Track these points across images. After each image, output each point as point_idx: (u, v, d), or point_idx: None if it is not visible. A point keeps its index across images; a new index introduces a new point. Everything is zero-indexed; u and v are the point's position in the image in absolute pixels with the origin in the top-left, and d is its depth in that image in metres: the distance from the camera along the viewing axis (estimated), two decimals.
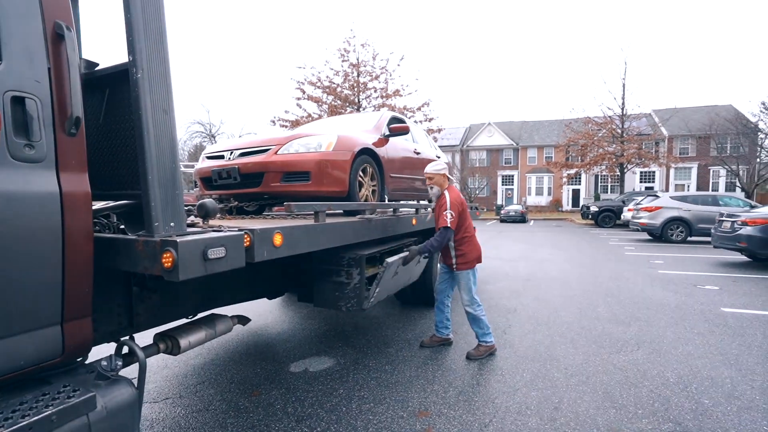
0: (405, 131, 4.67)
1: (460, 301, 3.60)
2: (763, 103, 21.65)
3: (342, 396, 2.85)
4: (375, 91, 19.02)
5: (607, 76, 45.34)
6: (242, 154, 3.57)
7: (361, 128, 4.46)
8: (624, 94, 24.56)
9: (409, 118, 18.73)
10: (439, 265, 3.94)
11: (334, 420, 2.54)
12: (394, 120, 4.96)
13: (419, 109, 18.73)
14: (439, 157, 6.43)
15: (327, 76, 19.05)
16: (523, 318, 4.66)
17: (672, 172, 31.43)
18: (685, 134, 30.75)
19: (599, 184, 33.32)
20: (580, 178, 32.16)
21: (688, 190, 29.78)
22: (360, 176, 3.88)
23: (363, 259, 3.10)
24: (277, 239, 2.01)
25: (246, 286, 3.32)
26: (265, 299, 3.98)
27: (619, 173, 25.08)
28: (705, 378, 3.06)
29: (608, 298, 5.55)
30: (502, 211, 24.61)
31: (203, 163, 3.81)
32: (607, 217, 19.59)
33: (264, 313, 4.97)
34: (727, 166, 26.46)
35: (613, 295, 5.67)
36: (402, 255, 3.48)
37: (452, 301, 3.86)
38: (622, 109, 24.58)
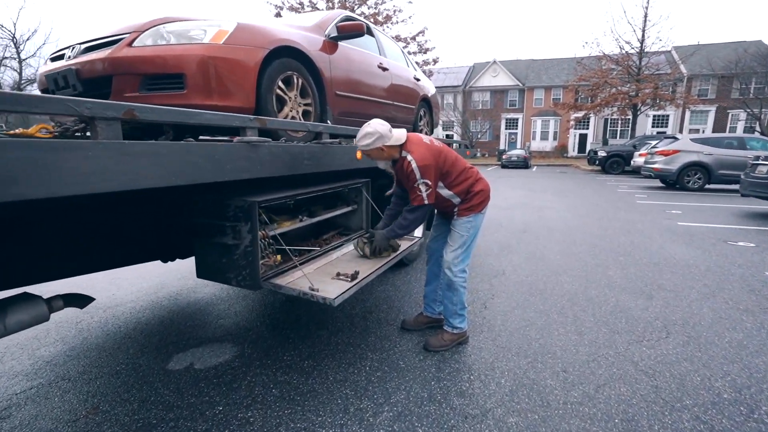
0: (358, 31, 3.37)
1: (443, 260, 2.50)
2: None
3: (216, 419, 1.85)
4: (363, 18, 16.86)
5: (627, 2, 41.19)
6: (87, 50, 2.33)
7: (294, 26, 3.13)
8: (645, 26, 22.06)
9: (403, 49, 16.69)
10: (435, 215, 2.78)
11: None
12: (346, 19, 3.60)
13: (413, 38, 16.65)
14: (418, 80, 5.10)
15: None
16: (512, 284, 3.61)
17: (687, 115, 29.38)
18: (707, 73, 28.24)
19: (608, 128, 31.38)
20: (588, 121, 30.21)
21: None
22: (280, 89, 2.66)
23: (254, 208, 1.97)
24: None
25: (94, 247, 2.23)
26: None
27: (631, 116, 23.23)
28: None
29: (621, 257, 4.48)
30: (504, 156, 23.12)
31: (44, 68, 2.59)
32: (616, 163, 18.20)
33: (186, 276, 3.95)
34: (748, 109, 24.46)
35: (627, 254, 4.60)
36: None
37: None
38: (641, 43, 22.21)
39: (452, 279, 2.40)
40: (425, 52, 16.90)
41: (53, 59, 2.58)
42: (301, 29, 3.07)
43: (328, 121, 3.18)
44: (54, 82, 2.36)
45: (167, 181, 1.43)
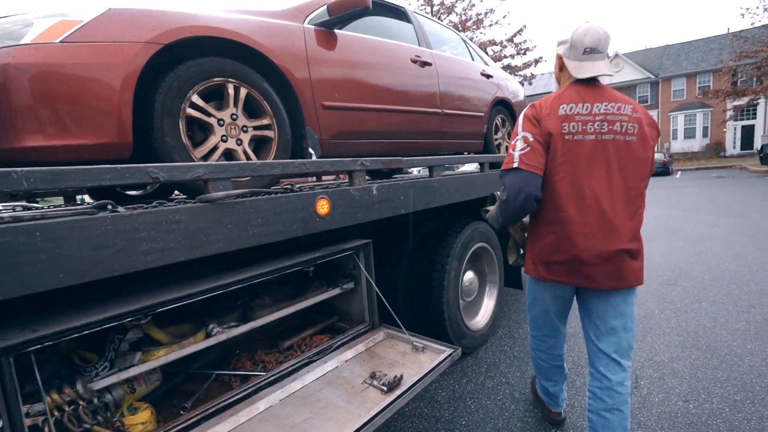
0: (359, 7, 2.16)
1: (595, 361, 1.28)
2: None
3: None
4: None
5: None
6: None
7: (246, 11, 2.07)
8: None
9: (498, 52, 14.82)
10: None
11: None
12: None
13: (510, 40, 14.65)
14: (490, 77, 3.70)
15: None
16: (655, 424, 1.92)
17: None
18: None
19: None
20: (755, 109, 23.84)
21: None
22: (196, 107, 1.61)
23: None
24: None
25: None
26: None
27: None
28: None
29: None
30: None
31: None
32: None
33: None
34: None
35: None
36: None
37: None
38: None
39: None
40: (524, 53, 14.75)
41: None
42: (259, 15, 2.01)
43: (311, 152, 2.04)
44: None
45: None
